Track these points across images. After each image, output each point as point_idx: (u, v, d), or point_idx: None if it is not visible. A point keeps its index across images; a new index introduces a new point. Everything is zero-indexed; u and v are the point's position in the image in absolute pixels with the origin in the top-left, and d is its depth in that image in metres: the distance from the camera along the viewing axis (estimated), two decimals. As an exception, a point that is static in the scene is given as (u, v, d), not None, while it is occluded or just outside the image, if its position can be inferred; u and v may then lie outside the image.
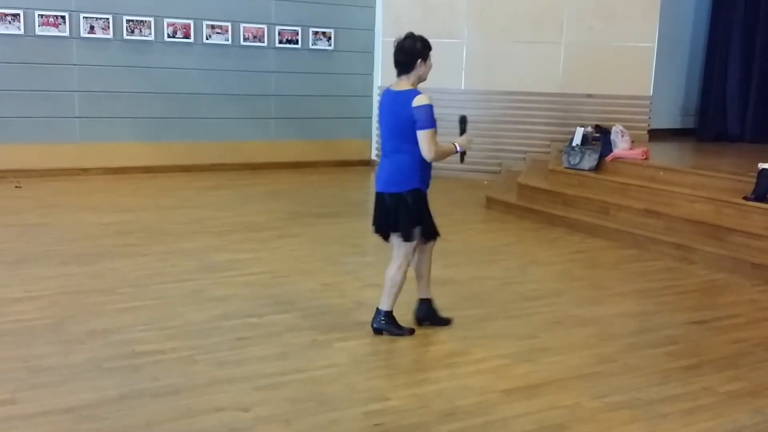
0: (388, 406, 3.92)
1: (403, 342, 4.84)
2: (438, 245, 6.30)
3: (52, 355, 4.42)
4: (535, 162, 10.25)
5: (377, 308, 4.92)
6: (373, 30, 11.90)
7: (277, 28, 11.43)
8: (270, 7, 11.37)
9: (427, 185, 4.80)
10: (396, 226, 4.77)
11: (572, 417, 3.88)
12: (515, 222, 8.61)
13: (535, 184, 9.15)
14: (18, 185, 9.54)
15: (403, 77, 4.71)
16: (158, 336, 4.76)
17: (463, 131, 4.88)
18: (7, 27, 9.85)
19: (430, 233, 4.90)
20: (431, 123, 4.57)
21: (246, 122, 11.44)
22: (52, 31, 10.08)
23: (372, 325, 4.92)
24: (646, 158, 8.71)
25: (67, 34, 10.16)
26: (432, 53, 4.75)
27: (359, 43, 11.94)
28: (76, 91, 10.35)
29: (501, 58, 11.12)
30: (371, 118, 12.07)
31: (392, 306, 4.89)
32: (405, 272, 4.86)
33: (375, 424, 3.72)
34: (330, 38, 11.74)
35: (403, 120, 4.60)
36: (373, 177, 11.38)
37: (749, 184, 7.29)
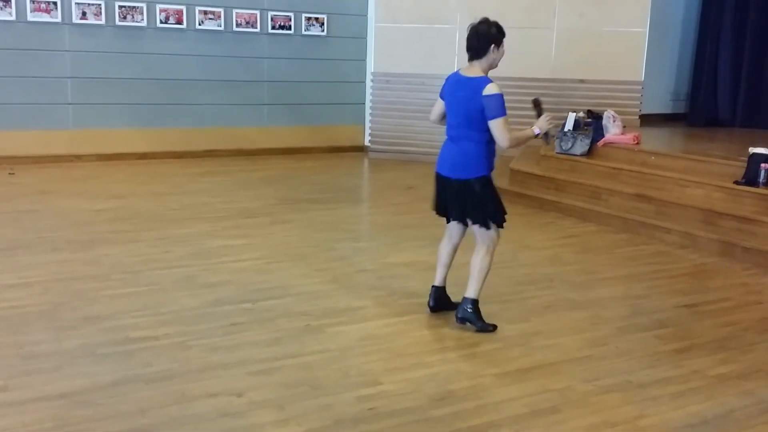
0: (381, 391, 3.95)
1: (396, 327, 4.87)
2: (430, 230, 6.31)
3: (45, 342, 4.43)
4: (527, 147, 10.23)
5: (464, 296, 4.80)
6: (366, 15, 11.84)
7: (270, 13, 11.38)
8: (262, -8, 11.36)
9: (492, 169, 4.78)
10: (474, 217, 4.75)
11: (564, 400, 3.91)
12: (507, 207, 8.59)
13: (527, 170, 9.17)
14: (11, 172, 9.51)
15: (475, 62, 4.67)
16: (151, 322, 4.78)
17: (539, 114, 4.86)
18: (-3, 13, 9.81)
19: (493, 221, 4.81)
20: (503, 111, 4.54)
21: (239, 108, 11.41)
22: (44, 17, 10.03)
23: (456, 315, 4.82)
24: (637, 143, 8.73)
25: (59, 20, 10.11)
26: (505, 40, 4.77)
27: (352, 28, 11.89)
28: (68, 78, 10.31)
29: (494, 43, 11.10)
30: (364, 104, 12.04)
31: (479, 294, 4.79)
32: (492, 256, 4.83)
33: (368, 408, 3.75)
34: (323, 24, 11.69)
35: (473, 108, 4.57)
36: (366, 163, 11.53)
37: (740, 168, 7.33)
